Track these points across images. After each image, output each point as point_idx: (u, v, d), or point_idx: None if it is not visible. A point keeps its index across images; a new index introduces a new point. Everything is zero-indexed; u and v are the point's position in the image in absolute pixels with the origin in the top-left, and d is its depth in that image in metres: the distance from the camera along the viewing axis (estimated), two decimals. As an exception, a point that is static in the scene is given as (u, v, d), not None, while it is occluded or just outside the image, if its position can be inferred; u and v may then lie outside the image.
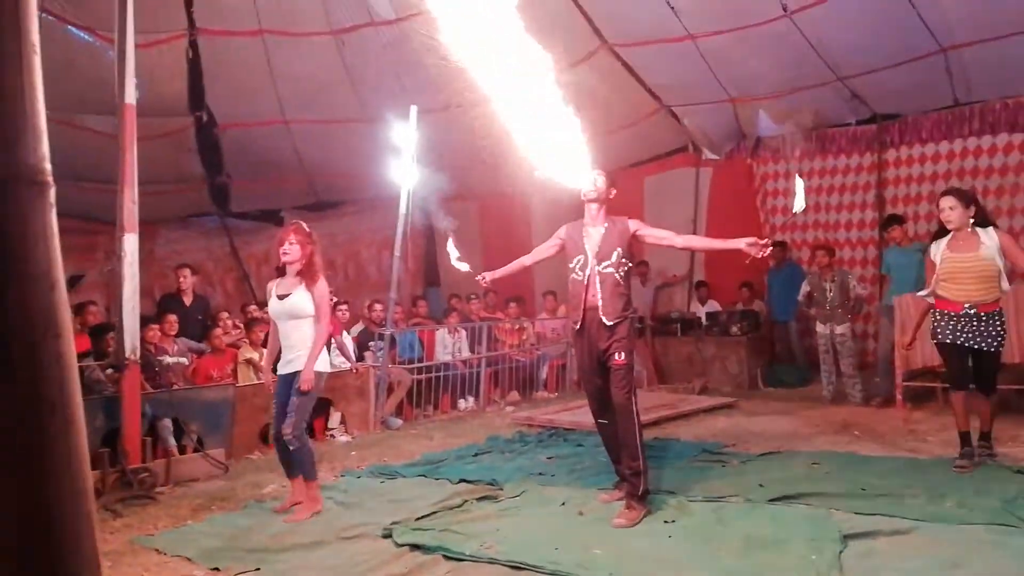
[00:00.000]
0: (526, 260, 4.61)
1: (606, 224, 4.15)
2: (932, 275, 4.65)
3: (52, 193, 1.22)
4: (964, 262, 4.42)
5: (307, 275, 4.23)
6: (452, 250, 4.52)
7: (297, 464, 4.22)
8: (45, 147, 1.22)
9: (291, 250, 4.24)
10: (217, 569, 3.34)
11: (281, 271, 4.34)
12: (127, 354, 4.93)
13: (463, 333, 8.47)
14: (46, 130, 1.24)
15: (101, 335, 5.70)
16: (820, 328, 7.38)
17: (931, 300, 4.63)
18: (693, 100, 8.97)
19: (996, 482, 4.12)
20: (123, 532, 3.96)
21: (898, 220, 7.34)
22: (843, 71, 7.82)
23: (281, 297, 4.26)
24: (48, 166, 1.22)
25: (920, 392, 6.65)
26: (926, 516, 3.61)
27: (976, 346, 4.44)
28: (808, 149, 9.06)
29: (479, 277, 4.53)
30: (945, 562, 3.05)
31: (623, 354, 3.99)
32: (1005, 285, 4.46)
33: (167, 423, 5.40)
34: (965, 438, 4.58)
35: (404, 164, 7.02)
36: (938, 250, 4.58)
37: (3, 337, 1.12)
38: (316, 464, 4.34)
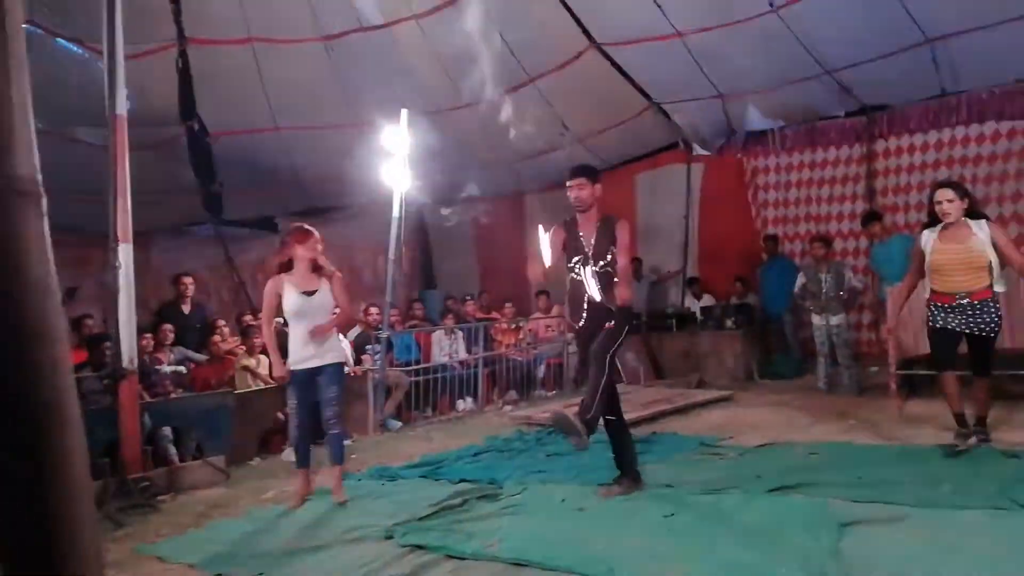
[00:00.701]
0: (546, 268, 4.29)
1: (598, 224, 4.24)
2: (917, 264, 4.68)
3: (44, 203, 1.24)
4: (955, 254, 4.41)
5: (324, 270, 4.55)
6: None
7: (335, 449, 4.51)
8: (35, 158, 1.24)
9: (316, 248, 4.53)
10: (220, 575, 3.36)
11: (285, 267, 4.51)
12: (124, 364, 4.94)
13: (459, 334, 8.50)
14: (36, 141, 1.25)
15: (97, 346, 5.72)
16: (816, 320, 7.42)
17: (925, 295, 4.67)
18: (683, 97, 9.01)
19: (991, 466, 4.16)
20: (125, 541, 3.98)
21: (876, 216, 7.41)
22: (831, 64, 7.86)
23: (309, 293, 4.46)
24: (39, 177, 1.24)
25: (915, 381, 6.69)
26: (922, 502, 3.64)
27: (969, 331, 4.47)
28: (798, 142, 9.13)
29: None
30: (942, 547, 3.08)
31: (613, 322, 4.13)
32: (1000, 283, 4.43)
33: (166, 432, 5.42)
34: (959, 419, 4.64)
35: (396, 168, 7.04)
36: (928, 240, 4.57)
37: (-2, 343, 1.14)
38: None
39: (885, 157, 8.57)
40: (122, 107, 5.14)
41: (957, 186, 4.56)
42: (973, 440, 4.59)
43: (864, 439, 5.20)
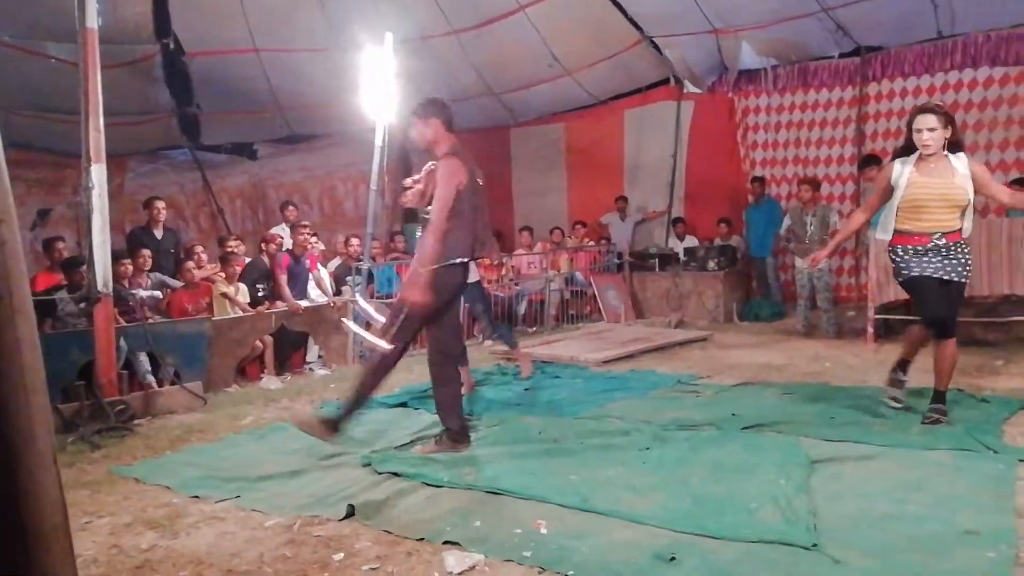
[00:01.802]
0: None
1: (434, 166, 3.93)
2: (880, 193, 4.12)
3: None
4: (936, 189, 3.85)
5: None
6: None
7: (510, 336, 5.96)
8: None
9: None
10: (197, 497, 3.37)
11: None
12: (99, 287, 4.86)
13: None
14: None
15: (74, 268, 5.62)
16: (798, 263, 7.43)
17: (885, 237, 4.11)
18: (676, 31, 8.79)
19: (960, 409, 4.23)
20: (101, 463, 3.97)
21: (875, 160, 7.29)
22: (828, 2, 7.68)
23: None
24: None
25: (891, 325, 6.77)
26: (891, 442, 3.71)
27: (946, 277, 3.91)
28: (790, 82, 8.99)
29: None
30: (907, 485, 3.15)
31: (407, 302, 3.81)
32: (968, 225, 3.93)
33: (142, 356, 5.37)
34: (904, 366, 4.31)
35: (380, 95, 6.84)
36: (902, 172, 3.93)
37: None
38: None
39: (877, 100, 8.46)
40: (93, 21, 4.91)
41: (941, 112, 3.89)
42: (901, 395, 4.25)
43: (838, 381, 5.27)
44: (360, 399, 3.89)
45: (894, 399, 4.37)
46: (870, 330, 6.55)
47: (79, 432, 4.36)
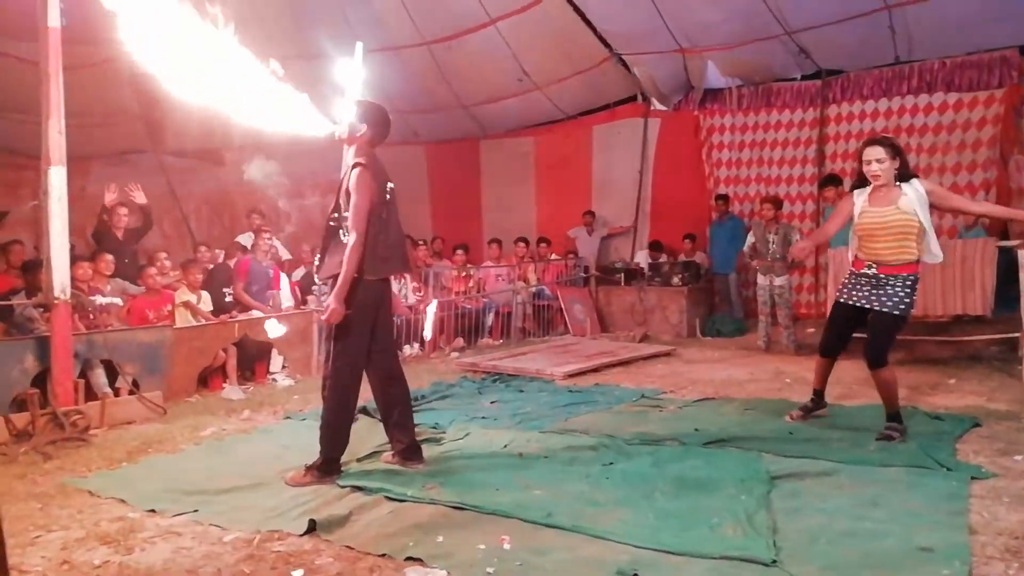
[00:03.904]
0: None
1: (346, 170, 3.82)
2: (835, 221, 4.33)
3: None
4: (881, 216, 3.99)
5: None
6: None
7: None
8: None
9: None
10: (153, 511, 3.30)
11: None
12: (56, 293, 4.75)
13: (408, 279, 8.41)
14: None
15: (34, 272, 5.48)
16: (760, 279, 7.57)
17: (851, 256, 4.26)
18: (644, 49, 8.93)
19: (915, 426, 4.33)
20: (54, 474, 3.87)
21: (835, 181, 7.44)
22: (791, 25, 7.88)
23: None
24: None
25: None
26: (849, 459, 3.78)
27: (868, 305, 4.07)
28: (754, 103, 9.18)
29: None
30: (865, 501, 3.21)
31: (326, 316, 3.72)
32: (936, 249, 4.02)
33: (96, 366, 5.23)
34: (817, 394, 4.64)
35: (349, 105, 6.80)
36: (858, 203, 4.12)
37: None
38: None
39: (837, 122, 8.68)
40: (55, 20, 4.83)
41: (888, 144, 4.01)
42: (798, 413, 4.62)
43: (798, 397, 5.34)
44: (331, 433, 3.72)
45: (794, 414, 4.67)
46: (828, 347, 6.67)
47: (31, 443, 4.24)
